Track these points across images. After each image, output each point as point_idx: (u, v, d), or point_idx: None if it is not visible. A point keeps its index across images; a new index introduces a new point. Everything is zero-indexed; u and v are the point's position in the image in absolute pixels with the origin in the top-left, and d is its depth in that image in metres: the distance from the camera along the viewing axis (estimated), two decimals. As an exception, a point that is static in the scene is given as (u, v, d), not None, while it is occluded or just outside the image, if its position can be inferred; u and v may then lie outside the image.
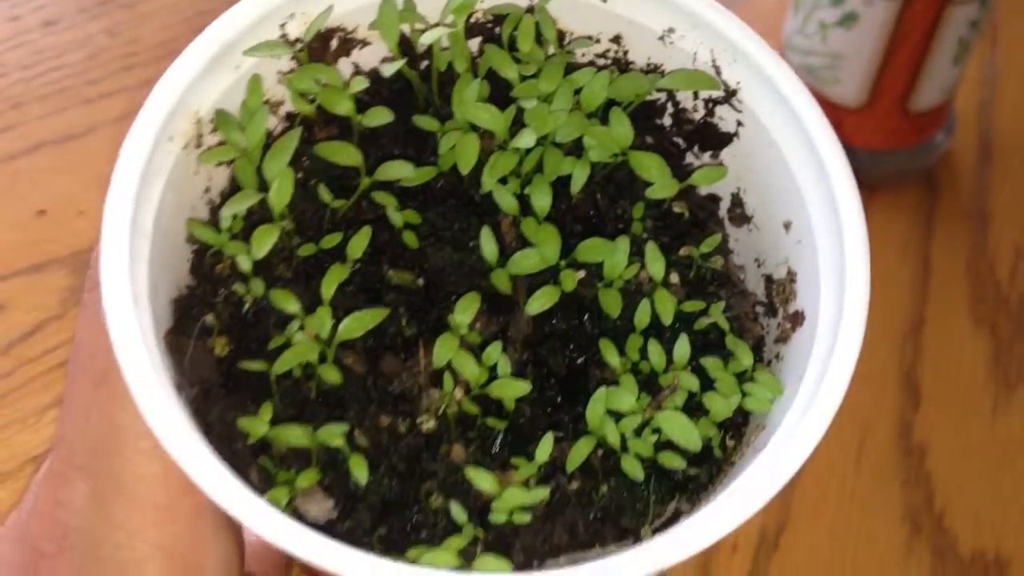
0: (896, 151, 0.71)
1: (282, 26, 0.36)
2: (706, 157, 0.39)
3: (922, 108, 0.69)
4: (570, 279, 0.34)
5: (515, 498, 0.31)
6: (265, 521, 0.28)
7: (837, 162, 0.33)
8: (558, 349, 0.35)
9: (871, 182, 0.71)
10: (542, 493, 0.31)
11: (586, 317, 0.35)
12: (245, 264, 0.34)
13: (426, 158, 0.36)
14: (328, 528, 0.32)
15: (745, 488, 0.29)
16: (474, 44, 0.38)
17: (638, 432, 0.33)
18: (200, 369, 0.34)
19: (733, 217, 0.38)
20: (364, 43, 0.38)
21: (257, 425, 0.32)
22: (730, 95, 0.37)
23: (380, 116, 0.34)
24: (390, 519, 0.32)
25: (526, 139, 0.34)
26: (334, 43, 0.38)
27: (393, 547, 0.32)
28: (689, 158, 0.39)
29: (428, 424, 0.34)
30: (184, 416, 0.30)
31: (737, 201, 0.38)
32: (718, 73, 0.36)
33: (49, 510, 0.35)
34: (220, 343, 0.35)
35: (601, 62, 0.38)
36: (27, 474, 0.58)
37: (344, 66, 0.38)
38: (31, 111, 0.74)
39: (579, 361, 0.35)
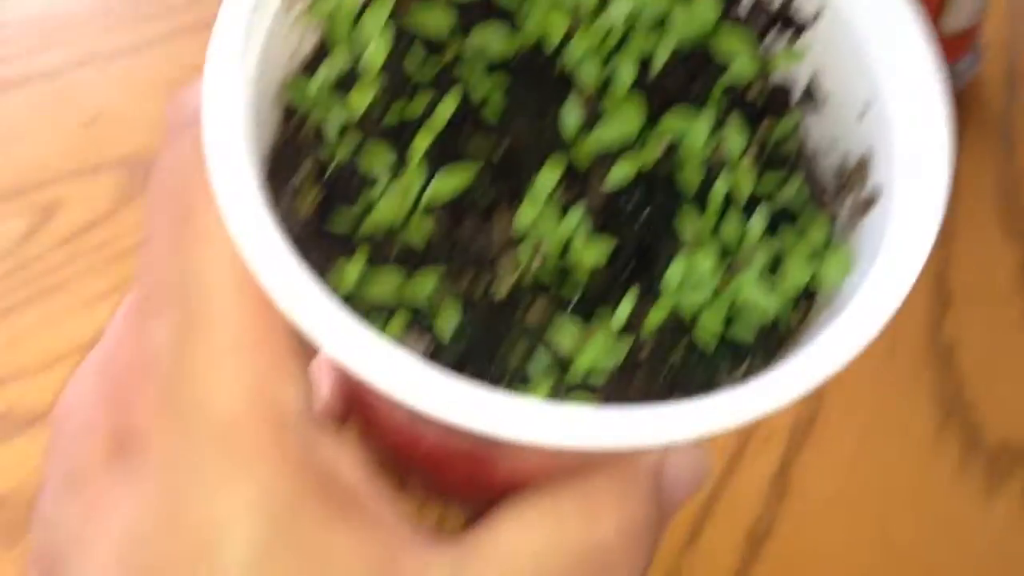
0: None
1: None
2: (782, 44, 0.39)
3: (953, 29, 0.70)
4: (653, 149, 0.34)
5: (596, 354, 0.32)
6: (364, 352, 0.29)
7: (919, 44, 0.33)
8: (630, 223, 0.35)
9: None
10: (621, 351, 0.32)
11: (659, 194, 0.36)
12: (334, 126, 0.35)
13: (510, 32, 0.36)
14: None
15: (824, 348, 0.30)
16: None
17: (712, 301, 0.33)
18: (296, 216, 0.35)
19: (807, 102, 0.39)
20: None
21: (349, 273, 0.33)
22: None
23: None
24: (473, 367, 0.33)
25: (619, 9, 0.34)
26: None
27: None
28: (765, 43, 0.39)
29: (504, 288, 0.34)
30: (283, 245, 0.30)
31: (812, 86, 0.38)
32: None
33: (132, 342, 0.35)
34: (306, 203, 0.35)
35: None
36: (82, 356, 0.60)
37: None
38: (84, 28, 0.76)
39: (650, 236, 0.36)
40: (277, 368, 0.35)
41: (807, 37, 0.38)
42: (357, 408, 0.40)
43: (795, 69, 0.38)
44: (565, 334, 0.32)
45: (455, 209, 0.35)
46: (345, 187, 0.35)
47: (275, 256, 0.30)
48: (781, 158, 0.36)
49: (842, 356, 0.30)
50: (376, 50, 0.33)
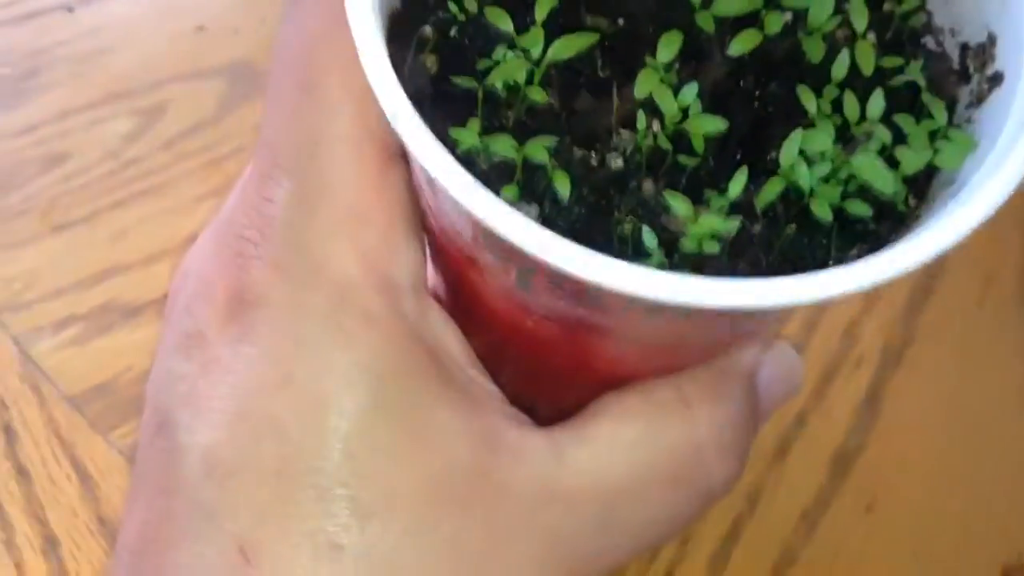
0: None
1: None
2: None
3: None
4: (776, 20, 0.34)
5: (711, 223, 0.32)
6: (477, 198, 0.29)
7: None
8: (749, 101, 0.36)
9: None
10: (735, 222, 0.32)
11: (779, 71, 0.36)
12: None
13: None
14: None
15: (940, 226, 0.30)
16: None
17: (828, 178, 0.33)
18: (416, 80, 0.35)
19: None
20: None
21: (467, 136, 0.33)
22: None
23: None
24: (582, 239, 0.33)
25: None
26: None
27: None
28: None
29: (617, 162, 0.35)
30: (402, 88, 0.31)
31: None
32: None
33: (254, 203, 0.37)
34: (430, 60, 0.36)
35: None
36: (181, 255, 0.61)
37: None
38: None
39: (768, 114, 0.36)
40: (392, 240, 0.36)
41: None
42: (461, 291, 0.41)
43: None
44: (680, 204, 0.32)
45: (572, 82, 0.35)
46: (466, 50, 0.35)
47: (404, 107, 0.30)
48: (906, 35, 0.36)
49: (956, 232, 0.29)
50: None
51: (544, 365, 0.41)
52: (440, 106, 0.35)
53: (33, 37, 0.70)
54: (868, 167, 0.32)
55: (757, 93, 0.35)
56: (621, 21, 0.36)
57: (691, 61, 0.35)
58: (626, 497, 0.36)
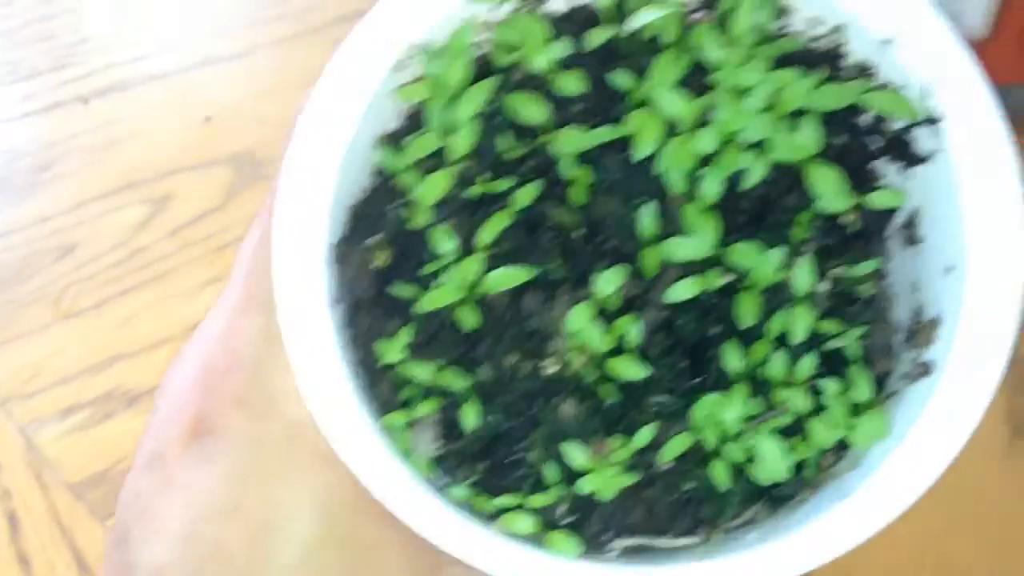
0: (1022, 85, 0.71)
1: None
2: (895, 169, 0.38)
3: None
4: (714, 280, 0.35)
5: (603, 481, 0.33)
6: (367, 462, 0.32)
7: (1013, 227, 0.33)
8: (691, 332, 0.36)
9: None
10: (629, 479, 0.34)
11: (719, 316, 0.36)
12: (415, 196, 0.36)
13: (618, 112, 0.36)
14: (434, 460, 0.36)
15: (835, 524, 0.31)
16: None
17: (737, 437, 0.34)
18: (358, 284, 0.36)
19: (903, 236, 0.38)
20: None
21: (390, 351, 0.35)
22: (932, 122, 0.35)
23: (572, 85, 0.35)
24: (493, 455, 0.36)
25: (705, 143, 0.34)
26: None
27: (486, 488, 0.35)
28: (879, 163, 0.38)
29: (551, 369, 0.36)
30: (328, 336, 0.34)
31: (911, 221, 0.37)
32: (929, 97, 0.35)
33: (226, 334, 0.39)
34: (382, 255, 0.37)
35: (817, 44, 0.37)
36: (186, 341, 0.63)
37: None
38: (202, 31, 0.80)
39: (710, 346, 0.36)
40: None
41: (920, 169, 0.37)
42: None
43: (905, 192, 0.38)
44: (576, 455, 0.34)
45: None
46: (417, 251, 0.37)
47: (312, 343, 0.33)
48: (856, 296, 0.36)
49: (851, 538, 0.31)
50: (461, 141, 0.35)
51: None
52: (384, 304, 0.36)
53: (50, 129, 0.72)
54: (766, 449, 0.33)
55: (703, 327, 0.36)
56: (584, 226, 0.37)
57: (641, 284, 0.36)
58: None
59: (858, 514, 0.31)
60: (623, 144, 0.36)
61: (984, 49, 0.73)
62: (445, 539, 0.31)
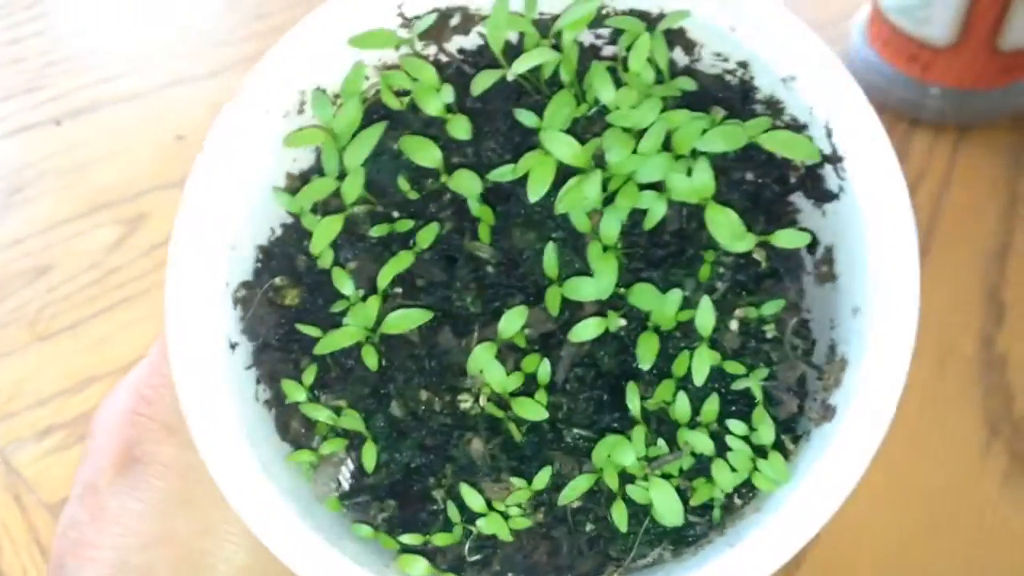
0: (987, 91, 0.72)
1: (399, 5, 0.37)
2: (810, 204, 0.38)
3: (1011, 47, 0.70)
4: (613, 321, 0.35)
5: (498, 524, 0.34)
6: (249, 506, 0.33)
7: (909, 265, 0.33)
8: (611, 368, 0.36)
9: (962, 121, 0.73)
10: (524, 523, 0.34)
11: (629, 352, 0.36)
12: (320, 250, 0.36)
13: (524, 148, 0.36)
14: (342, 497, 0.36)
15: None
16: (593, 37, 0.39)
17: (639, 480, 0.34)
18: (262, 325, 0.37)
19: (820, 272, 0.37)
20: (486, 19, 0.39)
21: (295, 391, 0.35)
22: (836, 160, 0.35)
23: (460, 130, 0.36)
24: (405, 492, 0.36)
25: (592, 188, 0.34)
26: (455, 20, 0.38)
27: (398, 523, 0.35)
28: (793, 199, 0.38)
29: (465, 405, 0.36)
30: (219, 378, 0.34)
31: (827, 258, 0.37)
32: (829, 135, 0.35)
33: (158, 362, 0.40)
34: (292, 294, 0.37)
35: (728, 78, 0.38)
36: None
37: (460, 41, 0.39)
38: (174, 51, 0.81)
39: (620, 384, 0.36)
40: None
41: (832, 206, 0.37)
42: None
43: (815, 230, 0.38)
44: (472, 498, 0.34)
45: (437, 317, 0.36)
46: (326, 291, 0.37)
47: (203, 396, 0.33)
48: (764, 336, 0.36)
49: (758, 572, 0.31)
50: (350, 186, 0.35)
51: None
52: (292, 341, 0.37)
53: (22, 151, 0.73)
54: (660, 494, 0.33)
55: (612, 367, 0.36)
56: (500, 257, 0.37)
57: (551, 331, 0.36)
58: None
59: (748, 557, 0.31)
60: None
61: (951, 57, 0.74)
62: None
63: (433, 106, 0.35)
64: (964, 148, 0.75)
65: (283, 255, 0.37)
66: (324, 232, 0.35)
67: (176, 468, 0.37)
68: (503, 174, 0.35)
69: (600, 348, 0.35)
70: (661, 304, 0.34)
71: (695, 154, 0.34)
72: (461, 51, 0.38)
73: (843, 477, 0.31)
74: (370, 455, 0.35)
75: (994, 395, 0.62)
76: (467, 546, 0.34)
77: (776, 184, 0.38)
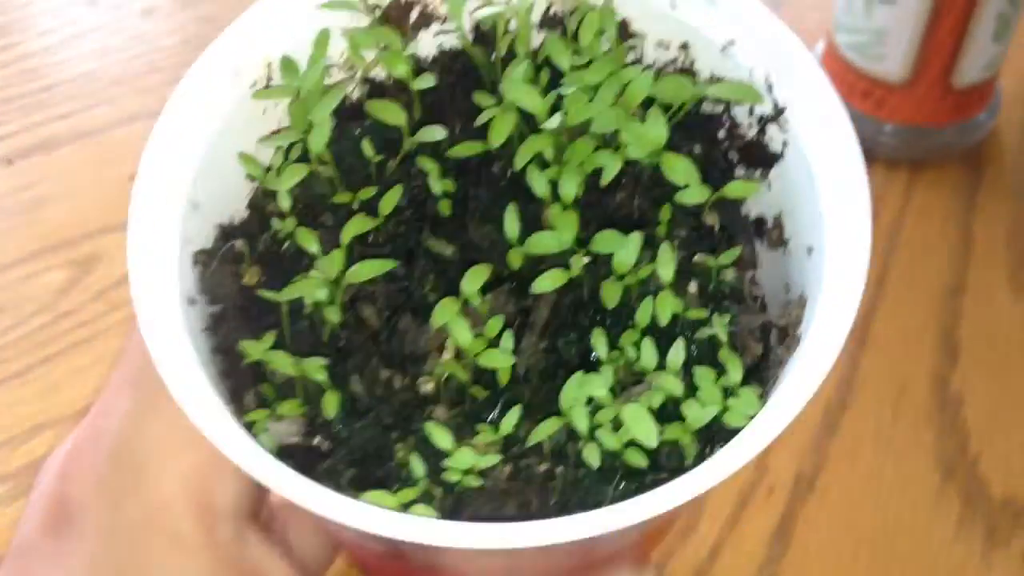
0: (941, 128, 0.73)
1: None
2: (755, 176, 0.40)
3: (965, 85, 0.71)
4: (577, 262, 0.35)
5: (465, 459, 0.33)
6: (224, 437, 0.31)
7: (859, 195, 0.34)
8: (572, 338, 0.37)
9: (916, 157, 0.73)
10: (492, 459, 0.33)
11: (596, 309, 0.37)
12: (284, 202, 0.38)
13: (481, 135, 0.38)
14: (304, 466, 0.34)
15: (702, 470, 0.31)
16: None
17: (610, 424, 0.34)
18: (221, 288, 0.37)
19: (770, 239, 0.39)
20: (445, 19, 0.41)
21: (255, 348, 0.35)
22: (778, 113, 0.37)
23: (426, 80, 0.38)
24: (365, 465, 0.35)
25: (554, 122, 0.35)
26: (414, 14, 0.41)
27: (358, 487, 0.35)
28: (739, 174, 0.40)
29: (427, 387, 0.36)
30: (182, 337, 0.33)
31: (777, 223, 0.39)
32: (770, 90, 0.38)
33: (94, 414, 0.39)
34: (252, 272, 0.38)
35: (669, 69, 0.40)
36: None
37: (426, 41, 0.41)
38: (128, 87, 0.81)
39: (576, 346, 0.37)
40: (215, 463, 0.37)
41: (776, 171, 0.39)
42: None
43: (764, 206, 0.39)
44: (440, 436, 0.33)
45: (397, 306, 0.37)
46: (297, 261, 0.37)
47: (167, 338, 0.33)
48: (725, 291, 0.37)
49: (713, 476, 0.30)
50: (317, 135, 0.36)
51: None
52: (252, 318, 0.37)
53: (-29, 191, 0.71)
54: (635, 417, 0.32)
55: (583, 332, 0.36)
56: (457, 249, 0.38)
57: (521, 298, 0.37)
58: None
59: (707, 470, 0.30)
60: (490, 165, 0.38)
61: (905, 94, 0.74)
62: (305, 498, 0.30)
63: (400, 68, 0.37)
64: (918, 185, 0.75)
65: (244, 235, 0.37)
66: (289, 176, 0.36)
67: (104, 529, 0.36)
68: (467, 148, 0.36)
69: (560, 331, 0.36)
70: (623, 247, 0.35)
71: (647, 105, 0.35)
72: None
73: (804, 388, 0.31)
74: (332, 403, 0.34)
75: (948, 436, 0.62)
76: (435, 501, 0.33)
77: (723, 158, 0.39)
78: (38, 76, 0.83)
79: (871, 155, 0.79)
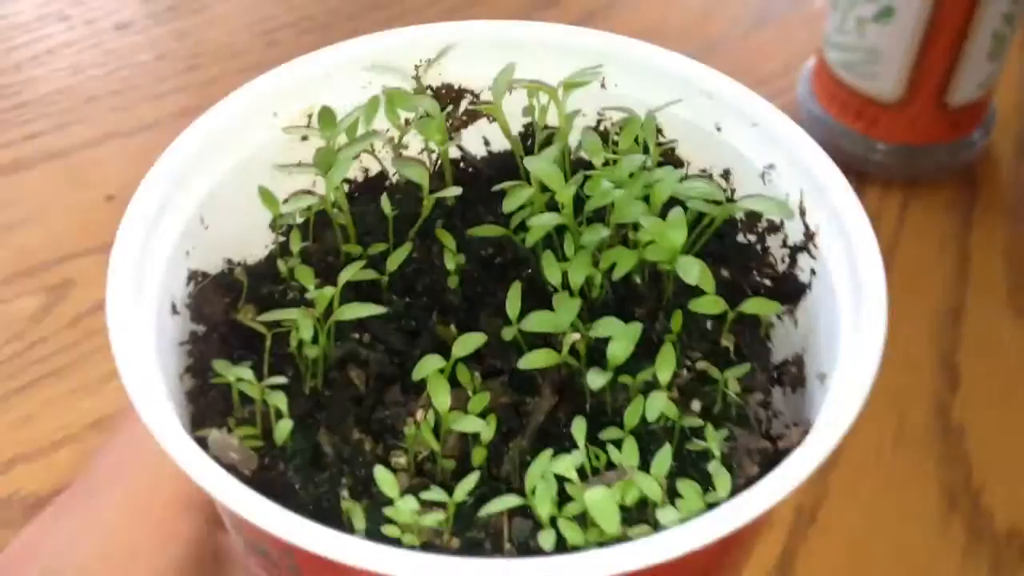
0: (935, 146, 0.72)
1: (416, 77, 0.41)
2: (783, 311, 0.39)
3: (959, 103, 0.69)
4: (567, 340, 0.34)
5: (408, 505, 0.31)
6: (184, 453, 0.30)
7: (876, 324, 0.33)
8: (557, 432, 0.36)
9: (910, 177, 0.72)
10: (437, 516, 0.32)
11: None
12: (295, 243, 0.38)
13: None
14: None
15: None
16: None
17: (563, 504, 0.32)
18: (208, 307, 0.37)
19: (785, 375, 0.38)
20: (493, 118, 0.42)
21: (227, 369, 0.34)
22: (809, 238, 0.37)
23: (452, 190, 0.38)
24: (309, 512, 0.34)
25: (569, 190, 0.35)
26: (463, 104, 0.42)
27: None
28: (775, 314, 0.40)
29: (398, 461, 0.35)
30: (150, 355, 0.32)
31: (797, 361, 0.38)
32: (803, 215, 0.37)
33: (36, 533, 0.39)
34: (247, 310, 0.37)
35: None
36: (91, 437, 0.59)
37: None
38: (103, 105, 0.79)
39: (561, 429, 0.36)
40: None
41: (803, 305, 0.38)
42: None
43: (785, 344, 0.38)
44: (385, 482, 0.32)
45: (388, 376, 0.36)
46: (293, 303, 0.37)
47: (135, 349, 0.32)
48: (730, 412, 0.36)
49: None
50: (334, 174, 0.36)
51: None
52: (237, 347, 0.36)
53: (-58, 215, 0.68)
54: (597, 501, 0.30)
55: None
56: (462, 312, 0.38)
57: (501, 385, 0.36)
58: None
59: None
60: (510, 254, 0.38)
61: (898, 113, 0.73)
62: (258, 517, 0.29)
63: (436, 137, 0.38)
64: (913, 205, 0.73)
65: (252, 272, 0.38)
66: (297, 203, 0.36)
67: None
68: (487, 230, 0.37)
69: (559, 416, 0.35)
70: (621, 338, 0.34)
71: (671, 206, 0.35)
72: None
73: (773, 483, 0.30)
74: (284, 429, 0.33)
75: (950, 466, 0.60)
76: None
77: (750, 288, 0.39)
78: (8, 94, 0.81)
79: (864, 175, 0.79)
